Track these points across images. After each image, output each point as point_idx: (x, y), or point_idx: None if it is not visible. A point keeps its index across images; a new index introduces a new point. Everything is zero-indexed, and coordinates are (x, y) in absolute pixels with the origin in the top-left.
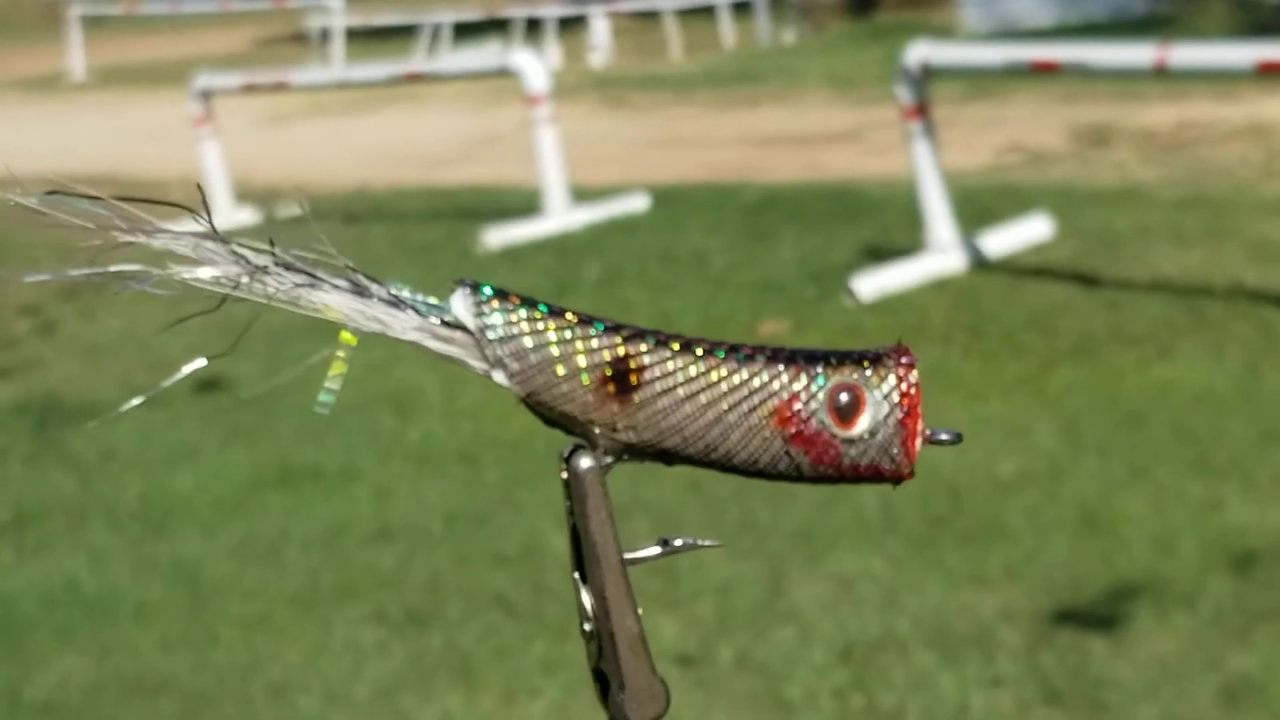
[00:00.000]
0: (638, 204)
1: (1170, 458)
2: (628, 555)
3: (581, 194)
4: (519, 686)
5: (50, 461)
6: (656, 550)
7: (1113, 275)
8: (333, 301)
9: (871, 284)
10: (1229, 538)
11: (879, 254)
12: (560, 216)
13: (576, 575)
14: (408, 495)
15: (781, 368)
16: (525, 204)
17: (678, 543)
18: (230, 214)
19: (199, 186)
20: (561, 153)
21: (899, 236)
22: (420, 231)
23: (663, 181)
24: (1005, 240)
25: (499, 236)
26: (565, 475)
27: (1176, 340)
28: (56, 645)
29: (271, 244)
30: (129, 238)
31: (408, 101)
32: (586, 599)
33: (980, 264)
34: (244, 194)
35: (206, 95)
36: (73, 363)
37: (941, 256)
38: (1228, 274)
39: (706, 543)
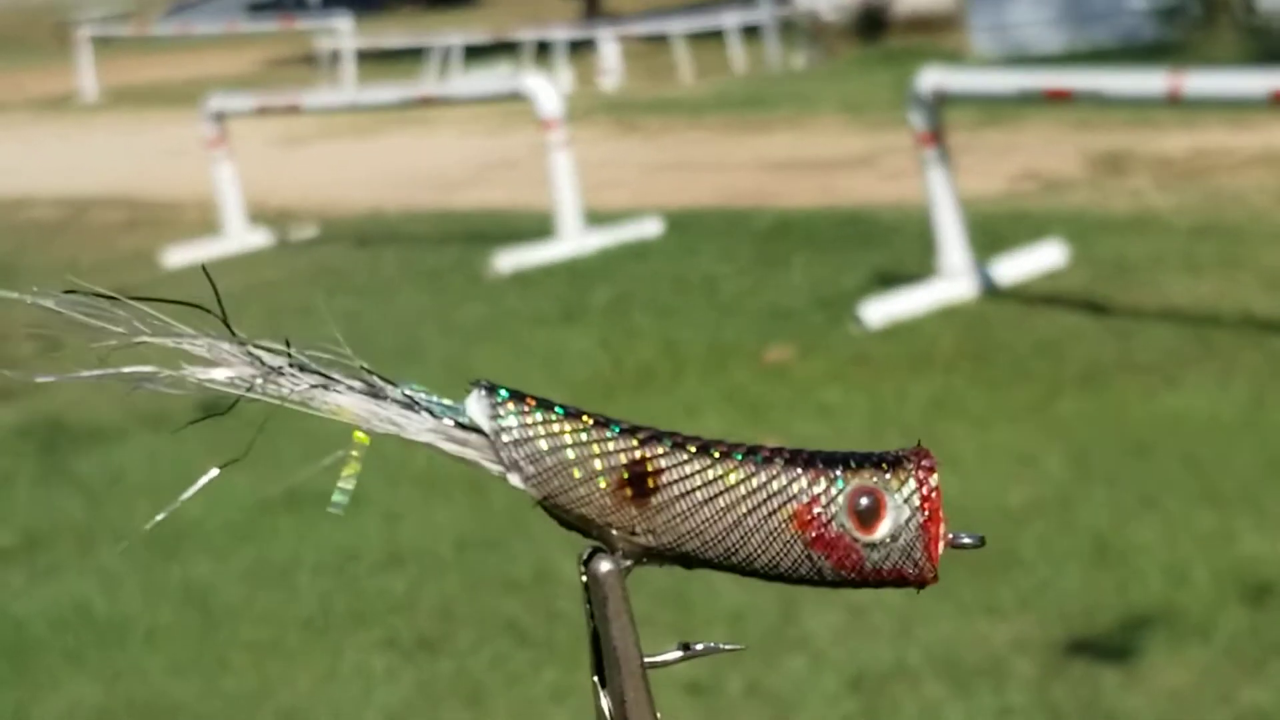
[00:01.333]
0: (650, 229)
1: (1179, 487)
2: (648, 659)
3: (594, 218)
4: (529, 714)
5: (58, 484)
6: (677, 654)
7: (1124, 303)
8: (346, 404)
9: (880, 311)
10: (1241, 569)
11: (890, 280)
12: (572, 241)
13: (595, 679)
14: (417, 521)
15: (800, 470)
16: (537, 227)
17: (699, 647)
18: (244, 236)
19: (211, 282)
20: (574, 177)
21: (911, 263)
22: (432, 255)
23: (675, 206)
24: (1017, 267)
25: (510, 260)
26: (584, 578)
27: (1185, 369)
28: (66, 669)
29: (287, 344)
30: (144, 338)
31: (419, 124)
32: (605, 703)
33: (991, 291)
34: (258, 215)
35: (219, 117)
36: (78, 385)
37: (952, 283)
38: (1239, 303)
39: (729, 646)
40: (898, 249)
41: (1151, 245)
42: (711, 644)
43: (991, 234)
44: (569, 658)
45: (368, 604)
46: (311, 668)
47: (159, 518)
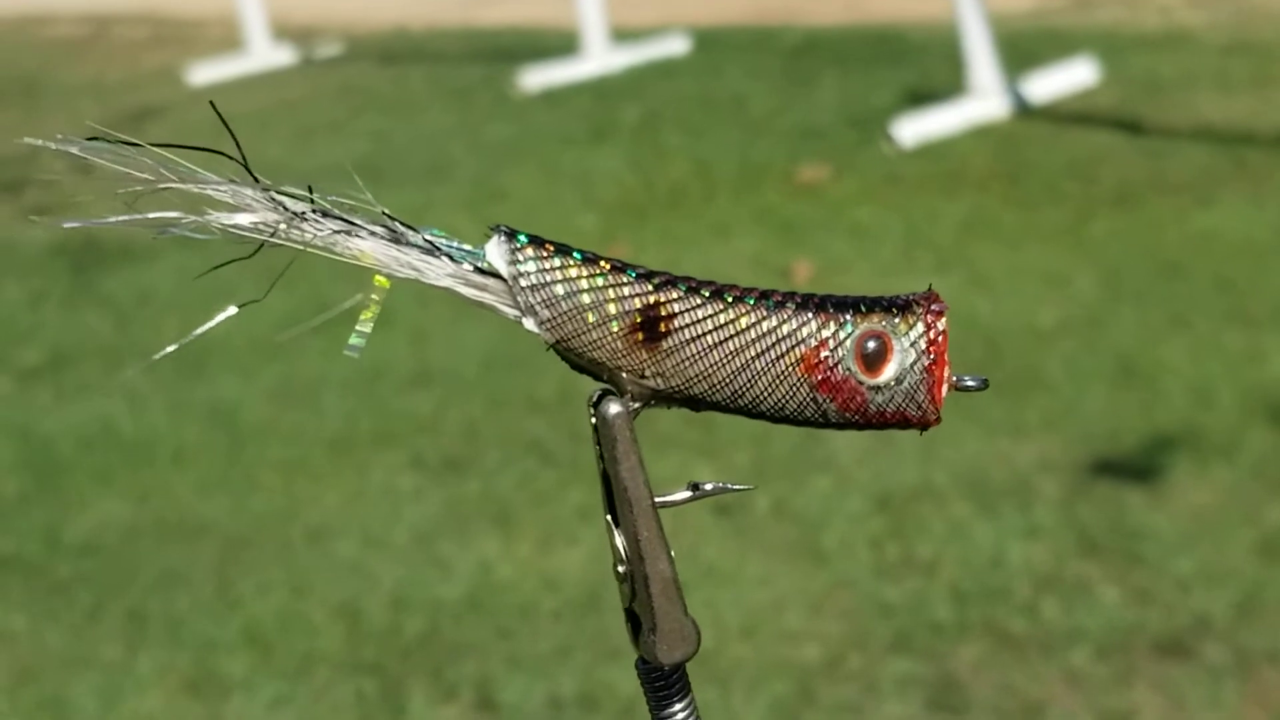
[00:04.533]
0: (677, 46)
1: (1210, 308)
2: (659, 499)
3: (620, 35)
4: (556, 533)
5: (87, 304)
6: (687, 494)
7: (1156, 122)
8: (368, 248)
9: (912, 129)
10: (1269, 389)
11: (920, 99)
12: (599, 58)
13: (609, 518)
14: (444, 340)
15: (810, 315)
16: (563, 45)
17: (708, 487)
18: (268, 53)
19: (231, 132)
20: None
21: (941, 82)
22: (458, 73)
23: (703, 22)
24: (1048, 85)
25: (537, 79)
26: (594, 420)
27: (1217, 188)
28: (95, 488)
29: (310, 190)
30: (170, 184)
31: None
32: (620, 541)
33: (1022, 109)
34: (282, 32)
35: None
36: (111, 203)
37: (983, 102)
38: (1272, 121)
39: (738, 486)
40: (928, 67)
41: (1184, 63)
42: (721, 484)
43: (1022, 52)
44: (594, 477)
45: (394, 423)
46: (339, 487)
47: (170, 348)
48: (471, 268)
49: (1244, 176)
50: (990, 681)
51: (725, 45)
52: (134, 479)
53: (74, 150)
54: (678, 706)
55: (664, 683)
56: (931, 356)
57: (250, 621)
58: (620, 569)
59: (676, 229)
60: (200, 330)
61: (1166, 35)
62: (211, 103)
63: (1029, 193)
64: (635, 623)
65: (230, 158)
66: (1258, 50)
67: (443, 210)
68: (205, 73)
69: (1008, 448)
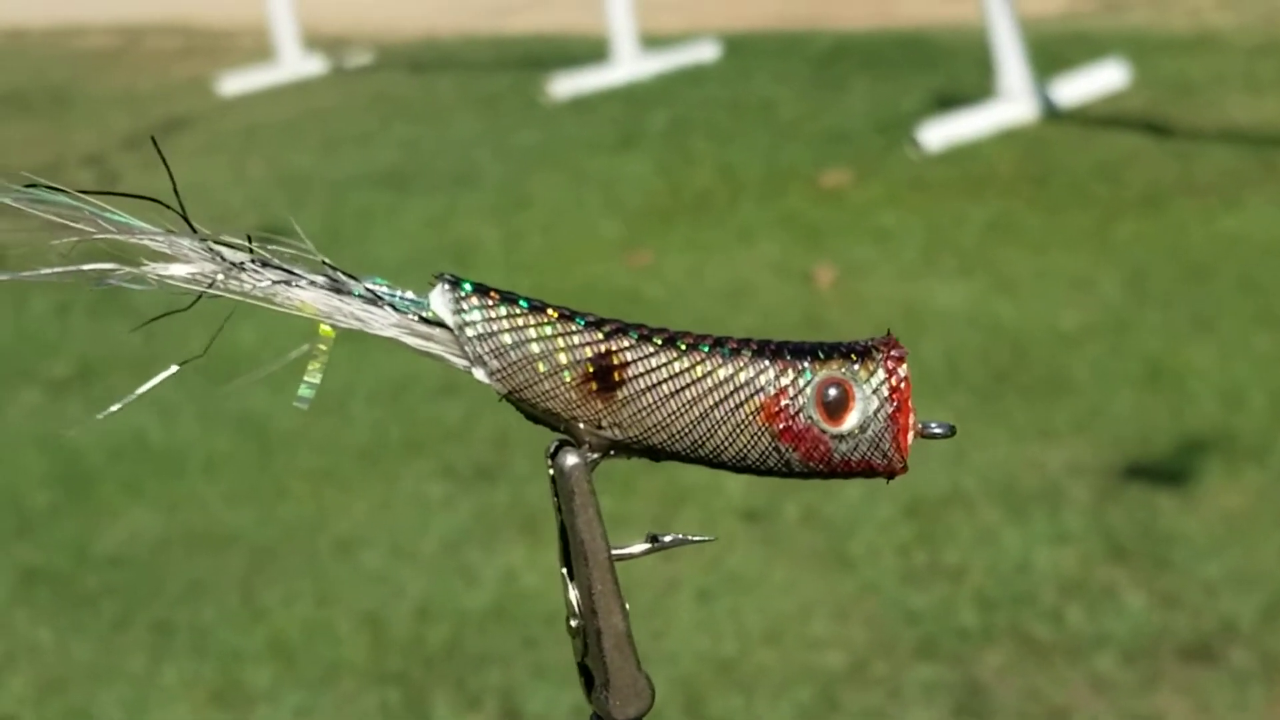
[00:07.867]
0: (706, 52)
1: (1237, 310)
2: (616, 552)
3: (650, 41)
4: None
5: (113, 314)
6: (645, 546)
7: (1185, 124)
8: (309, 299)
9: (938, 134)
10: None
11: (948, 103)
12: (628, 65)
13: (564, 571)
14: None
15: (767, 363)
16: (593, 52)
17: (667, 539)
18: (299, 63)
19: (171, 177)
20: None
21: (969, 85)
22: (487, 81)
23: (731, 28)
24: (1078, 88)
25: (566, 86)
26: (551, 472)
27: (1245, 190)
28: (124, 499)
29: (249, 240)
30: (107, 234)
31: None
32: (573, 595)
33: (1051, 113)
34: (313, 42)
35: None
36: (135, 213)
37: (1011, 105)
38: None
39: (697, 538)
40: (956, 71)
41: (1212, 65)
42: (680, 535)
43: (1051, 55)
44: (624, 486)
45: (423, 432)
46: (368, 496)
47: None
48: (416, 318)
49: (1272, 178)
50: (1015, 687)
51: (755, 51)
52: (163, 490)
53: (8, 201)
54: None
55: None
56: (895, 404)
57: (276, 632)
58: (573, 623)
59: (700, 235)
60: (142, 389)
61: (1196, 37)
62: (156, 144)
63: (1055, 196)
64: (589, 678)
65: (168, 206)
66: None
67: (468, 217)
68: (236, 83)
69: (1037, 452)
